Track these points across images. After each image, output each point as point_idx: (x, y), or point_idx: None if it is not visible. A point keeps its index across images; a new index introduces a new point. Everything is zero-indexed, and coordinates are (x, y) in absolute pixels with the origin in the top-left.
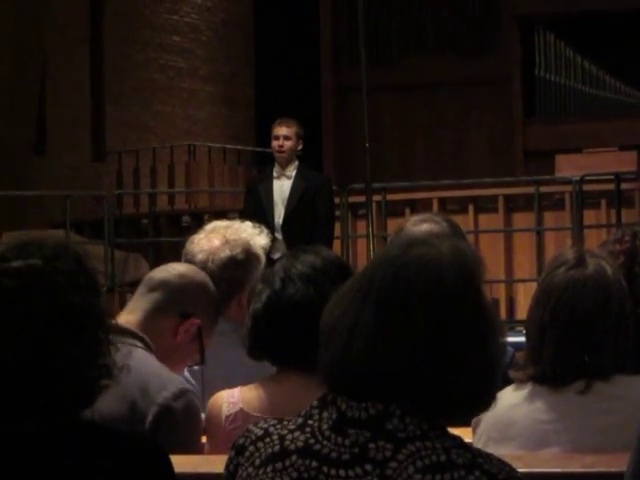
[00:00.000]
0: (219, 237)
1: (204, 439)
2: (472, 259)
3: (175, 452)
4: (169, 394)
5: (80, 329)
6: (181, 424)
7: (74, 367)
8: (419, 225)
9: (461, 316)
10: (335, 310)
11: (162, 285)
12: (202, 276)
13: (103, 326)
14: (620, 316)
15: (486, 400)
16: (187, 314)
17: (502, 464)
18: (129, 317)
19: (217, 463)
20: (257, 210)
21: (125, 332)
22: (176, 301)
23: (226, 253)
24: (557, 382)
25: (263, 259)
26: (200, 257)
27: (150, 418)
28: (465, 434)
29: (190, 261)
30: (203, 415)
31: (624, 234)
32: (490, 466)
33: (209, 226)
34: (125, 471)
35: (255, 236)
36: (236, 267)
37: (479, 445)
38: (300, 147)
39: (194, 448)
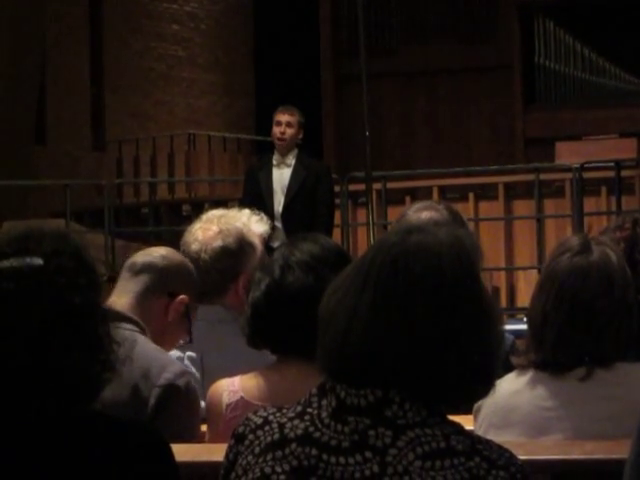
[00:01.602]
0: (214, 227)
1: (204, 427)
2: (470, 246)
3: (178, 429)
4: (170, 375)
5: (81, 328)
6: (183, 400)
7: (76, 366)
8: (420, 213)
9: (459, 302)
10: (334, 296)
11: (147, 267)
12: (181, 256)
13: (104, 322)
14: (623, 304)
15: (485, 386)
16: (175, 293)
17: (502, 450)
18: (119, 301)
19: (218, 452)
20: (256, 198)
21: (120, 317)
22: (164, 281)
23: (218, 243)
24: (559, 369)
25: (259, 247)
26: (194, 247)
27: (153, 400)
28: (466, 421)
29: (185, 251)
30: (203, 403)
31: (624, 221)
32: (490, 452)
33: (206, 215)
34: (127, 460)
35: (252, 224)
36: (228, 257)
37: (480, 431)
38: (300, 136)
39: (195, 425)
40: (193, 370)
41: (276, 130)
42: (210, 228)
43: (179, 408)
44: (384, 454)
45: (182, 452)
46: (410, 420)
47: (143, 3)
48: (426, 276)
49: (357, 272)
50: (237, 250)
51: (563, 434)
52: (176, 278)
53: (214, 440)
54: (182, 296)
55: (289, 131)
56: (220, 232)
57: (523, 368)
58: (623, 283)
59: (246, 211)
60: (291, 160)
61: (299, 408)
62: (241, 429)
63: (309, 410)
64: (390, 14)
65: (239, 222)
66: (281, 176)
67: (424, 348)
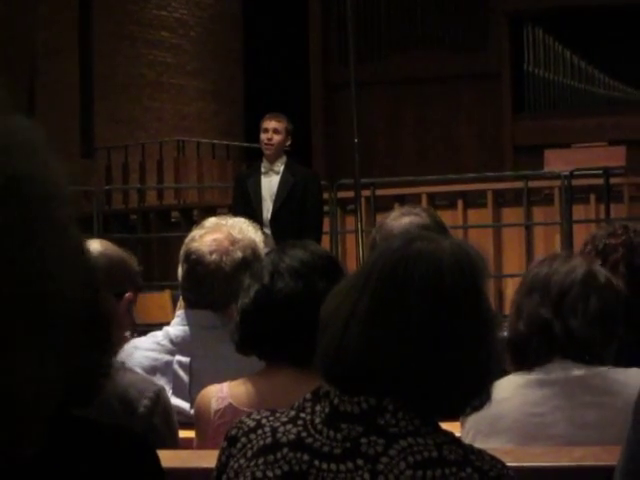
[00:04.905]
0: (227, 236)
1: (192, 433)
2: (474, 257)
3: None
4: (148, 402)
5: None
6: (163, 422)
7: (82, 366)
8: (400, 219)
9: (457, 312)
10: (334, 299)
11: None
12: (117, 249)
13: (109, 323)
14: (612, 311)
15: (480, 398)
16: (121, 292)
17: (494, 461)
18: None
19: (206, 458)
20: (245, 205)
21: None
22: (108, 283)
23: (238, 255)
24: (547, 375)
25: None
26: (214, 257)
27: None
28: (453, 427)
29: (199, 260)
30: (192, 411)
31: (615, 228)
32: (482, 463)
33: (209, 223)
34: (112, 465)
35: (258, 235)
36: (247, 268)
37: (468, 439)
38: (288, 143)
39: (176, 439)
40: (181, 373)
41: (263, 137)
42: (225, 238)
43: (161, 431)
44: (375, 462)
45: (169, 458)
46: (403, 429)
47: (133, 10)
48: (425, 283)
49: (358, 277)
50: (253, 262)
51: (552, 441)
52: (120, 276)
53: (202, 446)
54: (128, 294)
55: (276, 137)
56: (235, 242)
57: (511, 374)
58: (609, 293)
59: (243, 220)
60: (279, 167)
61: (292, 413)
62: (234, 432)
63: (302, 415)
64: (379, 22)
65: (250, 233)
66: (269, 183)
67: (419, 356)
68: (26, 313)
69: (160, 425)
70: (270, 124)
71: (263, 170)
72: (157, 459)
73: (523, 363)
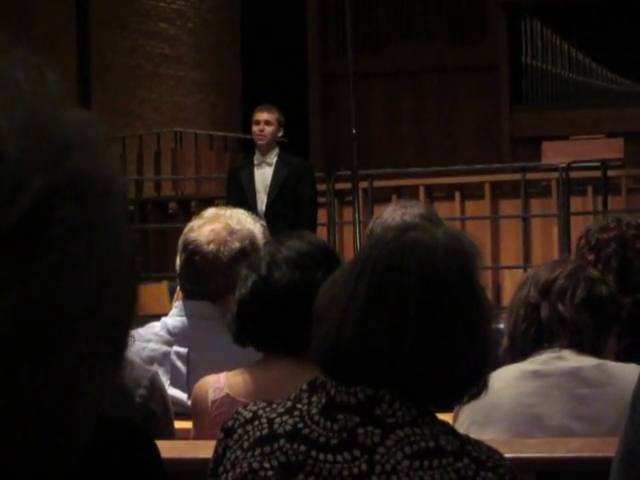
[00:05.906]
0: (225, 226)
1: (189, 424)
2: (468, 246)
3: (160, 434)
4: (144, 390)
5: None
6: (160, 413)
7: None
8: (395, 212)
9: (452, 301)
10: (329, 290)
11: None
12: None
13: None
14: (603, 302)
15: (477, 386)
16: None
17: (491, 452)
18: None
19: (203, 448)
20: (239, 197)
21: None
22: None
23: (236, 245)
24: (543, 366)
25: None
26: (212, 247)
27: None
28: (448, 417)
29: (197, 250)
30: (189, 401)
31: (608, 222)
32: (479, 453)
33: (208, 213)
34: (111, 457)
35: (257, 226)
36: (245, 259)
37: (462, 428)
38: (281, 134)
39: (172, 427)
40: (179, 364)
41: (255, 128)
42: (222, 228)
43: (159, 416)
44: (372, 452)
45: (167, 449)
46: (399, 419)
47: (130, 0)
48: (420, 273)
49: (353, 267)
50: (251, 252)
51: (547, 432)
52: None
53: (199, 437)
54: None
55: (268, 129)
56: (234, 233)
57: (507, 365)
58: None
59: (241, 210)
60: (272, 159)
61: (289, 404)
62: (230, 423)
63: (299, 406)
64: (377, 13)
65: (249, 224)
66: (263, 175)
67: (414, 345)
68: (89, 318)
69: (158, 411)
70: (261, 116)
71: (256, 162)
72: (157, 450)
73: (515, 350)
